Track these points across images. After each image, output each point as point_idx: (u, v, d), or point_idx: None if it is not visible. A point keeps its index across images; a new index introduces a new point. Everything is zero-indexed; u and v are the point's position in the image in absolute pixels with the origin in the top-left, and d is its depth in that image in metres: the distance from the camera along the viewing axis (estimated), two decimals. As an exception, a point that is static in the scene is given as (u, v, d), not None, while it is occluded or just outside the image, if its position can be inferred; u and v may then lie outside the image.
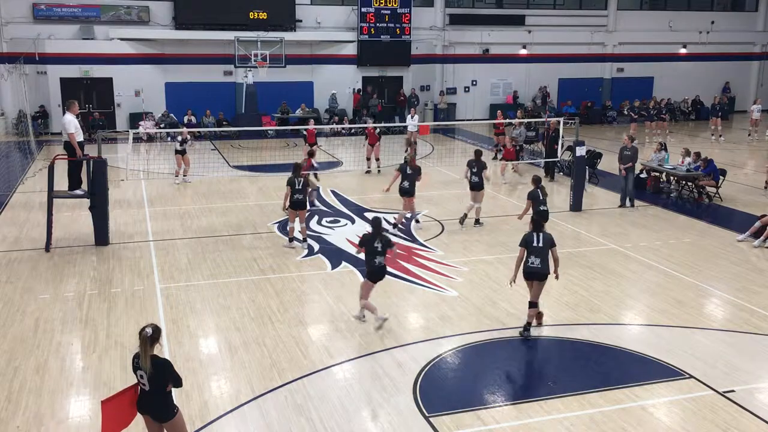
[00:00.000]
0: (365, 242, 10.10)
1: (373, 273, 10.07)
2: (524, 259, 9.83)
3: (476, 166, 15.05)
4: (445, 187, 19.08)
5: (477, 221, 15.34)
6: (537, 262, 9.73)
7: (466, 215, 15.30)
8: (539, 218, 10.48)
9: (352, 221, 15.87)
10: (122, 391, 6.37)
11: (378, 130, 21.21)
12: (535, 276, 9.78)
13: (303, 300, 11.27)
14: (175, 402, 6.42)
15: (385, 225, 11.99)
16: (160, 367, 6.13)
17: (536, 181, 13.10)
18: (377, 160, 21.21)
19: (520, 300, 11.18)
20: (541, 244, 9.76)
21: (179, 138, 19.79)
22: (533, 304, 9.89)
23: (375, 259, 9.97)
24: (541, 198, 12.94)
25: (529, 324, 9.93)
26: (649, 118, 29.61)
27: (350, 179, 20.67)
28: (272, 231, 15.11)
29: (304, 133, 21.07)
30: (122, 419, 6.28)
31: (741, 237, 14.58)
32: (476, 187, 15.07)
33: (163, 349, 9.11)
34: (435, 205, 17.35)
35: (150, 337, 6.08)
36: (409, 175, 14.71)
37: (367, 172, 21.13)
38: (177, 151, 19.69)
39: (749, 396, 8.27)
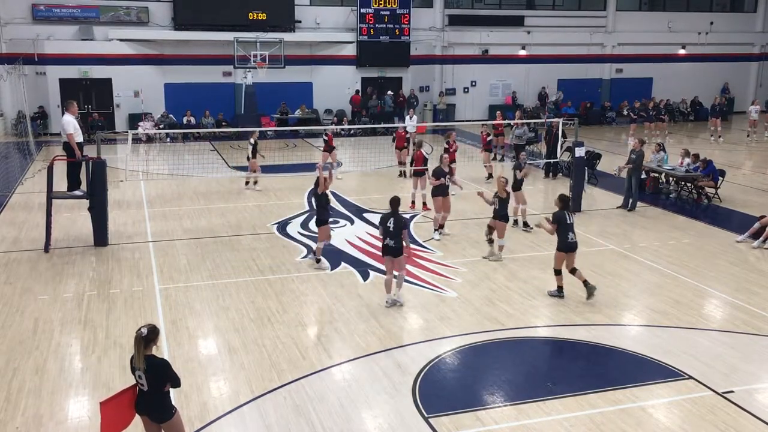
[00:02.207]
0: (381, 221, 10.90)
1: (382, 250, 10.90)
2: (563, 236, 10.93)
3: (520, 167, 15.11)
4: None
5: (525, 223, 15.19)
6: (574, 237, 10.98)
7: (516, 220, 15.12)
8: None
9: (352, 222, 15.87)
10: (121, 392, 6.36)
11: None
12: (575, 248, 11.04)
13: (302, 301, 11.26)
14: (173, 403, 6.42)
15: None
16: (158, 367, 6.13)
17: (503, 183, 13.11)
18: (401, 163, 20.69)
19: (519, 300, 11.20)
20: (573, 221, 10.98)
21: (252, 141, 19.06)
22: (575, 270, 11.06)
23: (385, 239, 10.72)
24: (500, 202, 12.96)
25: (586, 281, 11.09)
26: (648, 118, 29.62)
27: (350, 180, 20.65)
28: (271, 232, 15.11)
29: (325, 138, 20.40)
30: (121, 420, 6.28)
31: (740, 238, 14.58)
32: (517, 187, 14.86)
33: (162, 350, 9.12)
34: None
35: (144, 337, 6.07)
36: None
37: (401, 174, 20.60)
38: (250, 155, 18.87)
39: (748, 397, 8.28)
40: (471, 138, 29.11)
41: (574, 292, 11.59)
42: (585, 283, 11.05)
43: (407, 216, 14.92)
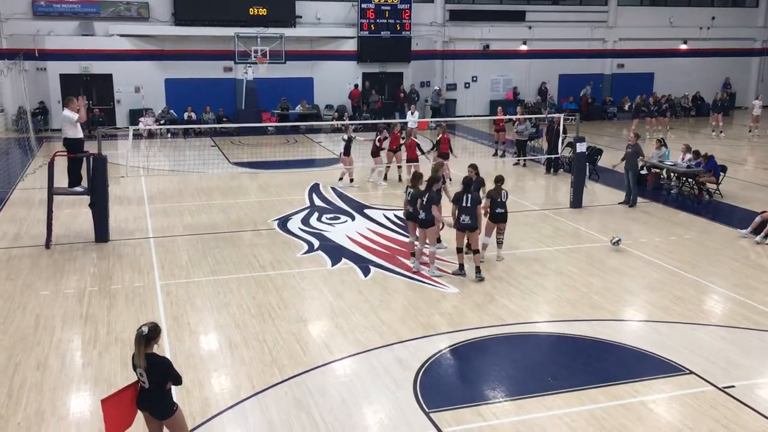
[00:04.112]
0: (414, 198, 12.18)
1: (418, 223, 12.08)
2: (457, 217, 11.90)
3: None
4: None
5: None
6: (467, 219, 11.77)
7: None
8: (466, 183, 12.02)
9: (353, 218, 15.86)
10: (122, 390, 6.37)
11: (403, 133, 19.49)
12: (467, 228, 11.84)
13: (303, 297, 11.27)
14: (174, 400, 6.43)
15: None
16: (159, 366, 6.13)
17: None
18: (399, 167, 19.46)
19: (521, 296, 11.21)
20: (469, 204, 11.75)
21: (345, 137, 18.56)
22: (476, 251, 12.03)
23: (419, 213, 11.86)
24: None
25: (479, 267, 11.90)
26: (650, 114, 29.60)
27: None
28: (272, 228, 15.12)
29: (377, 144, 19.32)
30: (125, 419, 6.28)
31: (743, 233, 14.57)
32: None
33: (164, 346, 9.13)
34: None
35: (145, 336, 6.07)
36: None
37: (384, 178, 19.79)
38: (343, 152, 18.50)
39: (749, 392, 8.28)
40: (472, 134, 29.14)
41: (576, 287, 11.62)
42: (477, 269, 11.87)
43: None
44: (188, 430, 6.60)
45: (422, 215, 11.99)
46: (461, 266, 12.12)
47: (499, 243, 13.06)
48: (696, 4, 37.06)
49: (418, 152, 18.32)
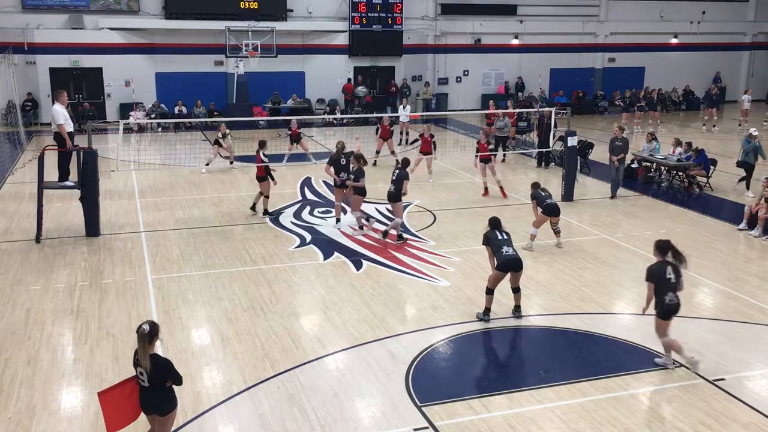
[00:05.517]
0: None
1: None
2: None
3: None
4: (436, 177, 19.07)
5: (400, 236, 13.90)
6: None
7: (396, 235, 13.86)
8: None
9: (344, 212, 15.83)
10: (119, 384, 6.34)
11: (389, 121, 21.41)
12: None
13: (295, 291, 11.27)
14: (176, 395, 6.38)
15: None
16: (160, 367, 6.13)
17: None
18: (393, 153, 20.92)
19: (510, 290, 11.21)
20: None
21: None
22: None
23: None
24: None
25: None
26: (641, 108, 29.67)
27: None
28: (264, 222, 15.09)
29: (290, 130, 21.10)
30: (125, 414, 6.24)
31: (740, 226, 14.64)
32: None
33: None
34: (427, 195, 17.40)
35: (148, 333, 6.05)
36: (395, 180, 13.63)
37: (374, 164, 20.59)
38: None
39: (739, 384, 8.34)
40: (463, 128, 29.13)
41: (567, 281, 11.66)
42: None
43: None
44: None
45: (391, 188, 13.46)
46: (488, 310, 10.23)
47: (557, 232, 13.46)
48: (686, -2, 37.18)
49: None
